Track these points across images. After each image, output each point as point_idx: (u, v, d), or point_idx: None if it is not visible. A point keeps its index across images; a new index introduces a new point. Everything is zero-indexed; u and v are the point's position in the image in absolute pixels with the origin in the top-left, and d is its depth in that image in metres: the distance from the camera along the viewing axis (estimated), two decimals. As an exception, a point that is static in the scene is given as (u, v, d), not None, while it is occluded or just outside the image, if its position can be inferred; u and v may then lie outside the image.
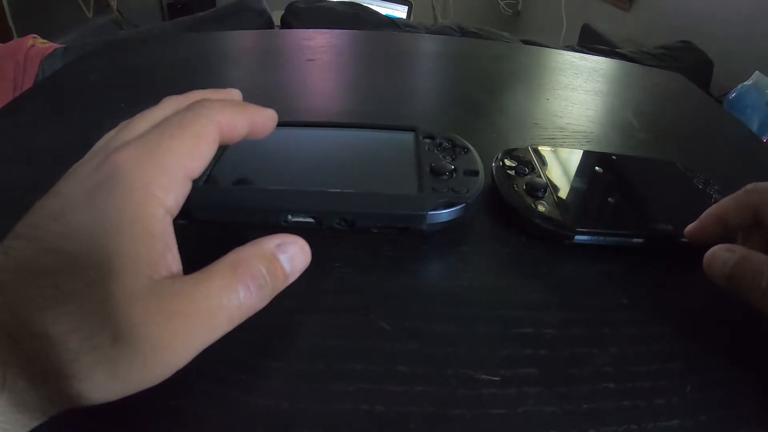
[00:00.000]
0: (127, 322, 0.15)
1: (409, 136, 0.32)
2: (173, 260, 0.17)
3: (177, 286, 0.16)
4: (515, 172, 0.31)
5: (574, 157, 0.35)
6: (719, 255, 0.23)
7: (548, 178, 0.31)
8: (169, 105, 0.21)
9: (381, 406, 0.19)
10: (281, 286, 0.19)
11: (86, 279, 0.15)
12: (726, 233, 0.25)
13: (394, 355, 0.21)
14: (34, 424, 0.15)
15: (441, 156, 0.30)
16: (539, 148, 0.34)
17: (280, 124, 0.33)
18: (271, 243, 0.19)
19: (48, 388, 0.15)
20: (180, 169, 0.18)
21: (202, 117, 0.19)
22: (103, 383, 0.15)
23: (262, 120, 0.22)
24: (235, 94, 0.24)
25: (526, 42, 1.14)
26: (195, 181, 0.26)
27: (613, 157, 0.35)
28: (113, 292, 0.15)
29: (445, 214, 0.26)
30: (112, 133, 0.21)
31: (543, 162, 0.33)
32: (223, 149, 0.29)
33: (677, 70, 0.64)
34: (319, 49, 0.59)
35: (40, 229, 0.16)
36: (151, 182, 0.17)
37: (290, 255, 0.19)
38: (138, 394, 0.16)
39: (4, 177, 0.32)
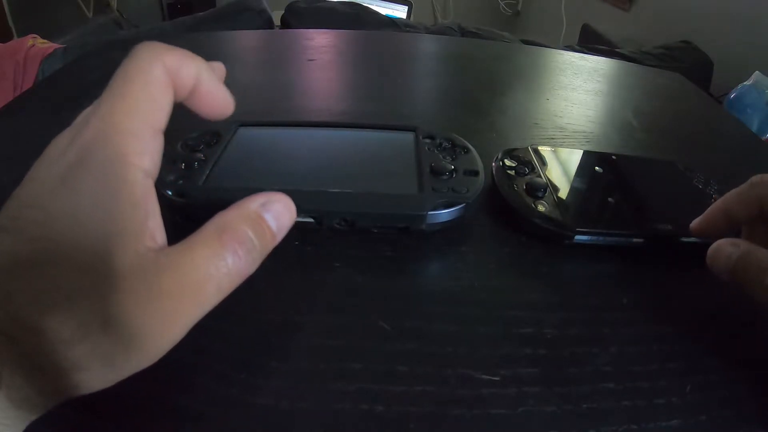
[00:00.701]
0: (116, 307, 0.15)
1: (409, 136, 0.32)
2: (156, 227, 0.17)
3: (162, 261, 0.16)
4: (515, 172, 0.31)
5: (574, 157, 0.35)
6: (723, 249, 0.23)
7: (548, 178, 0.31)
8: None
9: (381, 406, 0.19)
10: (270, 246, 0.18)
11: (71, 266, 0.15)
12: (731, 227, 0.25)
13: (394, 355, 0.21)
14: (33, 417, 0.15)
15: (441, 156, 0.30)
16: (539, 148, 0.34)
17: (281, 124, 0.34)
18: (254, 203, 0.18)
19: (45, 381, 0.15)
20: (146, 127, 0.17)
21: (144, 61, 0.18)
22: (99, 371, 0.15)
23: (210, 66, 0.20)
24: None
25: (526, 42, 1.14)
26: (195, 181, 0.26)
27: (613, 157, 0.35)
28: (99, 275, 0.15)
29: (445, 214, 0.26)
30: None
31: (543, 162, 0.33)
32: (223, 148, 0.29)
33: (677, 70, 0.64)
34: (319, 49, 0.59)
35: (18, 220, 0.16)
36: (124, 151, 0.17)
37: (275, 213, 0.19)
38: (137, 392, 0.16)
39: (3, 177, 0.32)
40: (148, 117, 0.18)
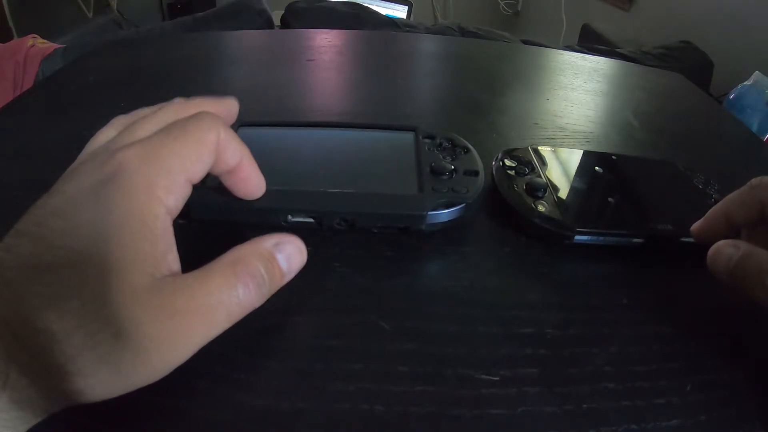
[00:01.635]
0: (130, 319, 0.15)
1: (409, 136, 0.32)
2: (173, 260, 0.18)
3: (178, 284, 0.17)
4: (515, 172, 0.31)
5: (574, 157, 0.35)
6: (723, 251, 0.23)
7: (548, 178, 0.31)
8: (170, 108, 0.22)
9: (381, 406, 0.19)
10: (279, 284, 0.19)
11: (90, 275, 0.16)
12: (732, 231, 0.25)
13: (394, 355, 0.21)
14: (35, 421, 0.15)
15: (441, 156, 0.30)
16: (539, 148, 0.34)
17: (281, 124, 0.34)
18: (268, 242, 0.19)
19: (50, 384, 0.15)
20: (182, 172, 0.18)
21: (205, 123, 0.19)
22: (106, 380, 0.15)
23: (251, 160, 0.22)
24: (233, 104, 0.24)
25: (526, 42, 1.14)
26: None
27: (613, 157, 0.35)
28: (116, 288, 0.16)
29: (445, 214, 0.26)
30: (109, 130, 0.21)
31: (543, 162, 0.33)
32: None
33: (677, 70, 0.64)
34: (319, 49, 0.59)
35: (43, 227, 0.16)
36: (155, 183, 0.17)
37: (287, 254, 0.20)
38: (137, 393, 0.16)
39: (3, 176, 0.32)
40: (188, 165, 0.19)
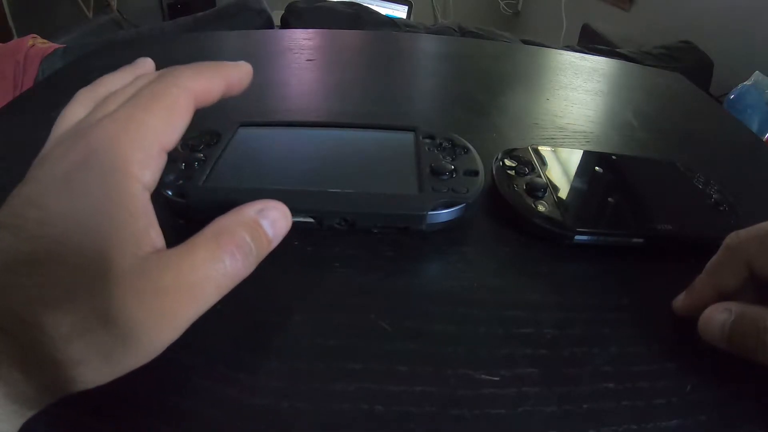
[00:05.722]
0: (116, 302, 0.15)
1: (409, 136, 0.32)
2: (156, 236, 0.17)
3: (162, 261, 0.16)
4: (515, 172, 0.31)
5: (574, 157, 0.35)
6: (714, 317, 0.21)
7: (548, 178, 0.31)
8: (139, 80, 0.21)
9: (381, 406, 0.19)
10: (266, 251, 0.19)
11: (72, 263, 0.15)
12: (722, 298, 0.22)
13: (394, 355, 0.21)
14: (30, 414, 0.15)
15: (441, 156, 0.30)
16: (539, 148, 0.34)
17: (281, 124, 0.34)
18: (251, 210, 0.19)
19: (43, 376, 0.15)
20: (155, 143, 0.18)
21: (174, 87, 0.19)
22: (97, 366, 0.15)
23: (238, 76, 0.22)
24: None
25: (526, 42, 1.14)
26: (195, 181, 0.26)
27: (613, 157, 0.35)
28: (100, 273, 0.15)
29: (445, 214, 0.26)
30: (75, 107, 0.21)
31: (543, 162, 0.33)
32: (223, 148, 0.29)
33: (677, 70, 0.64)
34: (319, 49, 0.59)
35: (19, 217, 0.16)
36: (128, 160, 0.17)
37: (272, 220, 0.19)
38: (137, 393, 0.16)
39: (3, 177, 0.32)
40: (160, 135, 0.18)
